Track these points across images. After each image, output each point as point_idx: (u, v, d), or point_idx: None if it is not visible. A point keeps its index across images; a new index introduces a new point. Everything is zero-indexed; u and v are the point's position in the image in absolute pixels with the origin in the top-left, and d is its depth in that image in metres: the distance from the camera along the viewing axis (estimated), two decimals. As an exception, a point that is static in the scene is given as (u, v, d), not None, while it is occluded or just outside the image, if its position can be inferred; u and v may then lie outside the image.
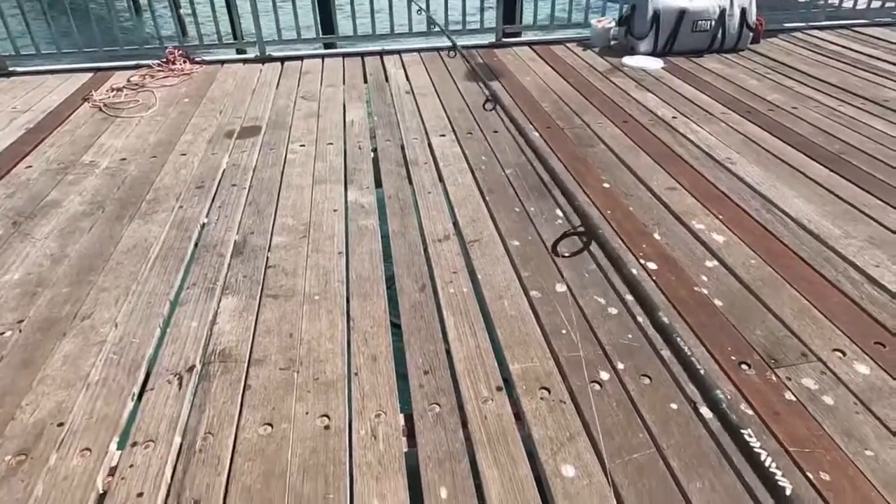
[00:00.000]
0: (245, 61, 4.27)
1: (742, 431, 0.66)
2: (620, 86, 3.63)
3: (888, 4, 4.94)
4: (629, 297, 1.80)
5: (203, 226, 2.27)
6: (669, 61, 4.04)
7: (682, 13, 4.07)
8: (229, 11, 4.58)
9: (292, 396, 1.51)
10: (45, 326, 1.76)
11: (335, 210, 2.34)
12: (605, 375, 1.54)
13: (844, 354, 1.59)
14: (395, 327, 1.75)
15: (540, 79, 3.79)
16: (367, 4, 4.26)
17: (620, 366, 1.56)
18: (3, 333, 1.73)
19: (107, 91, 3.67)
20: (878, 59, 3.99)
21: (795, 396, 1.46)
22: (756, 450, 0.64)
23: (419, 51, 4.38)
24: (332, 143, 2.94)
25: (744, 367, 1.55)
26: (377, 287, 1.90)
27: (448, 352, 1.64)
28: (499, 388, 1.52)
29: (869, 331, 1.67)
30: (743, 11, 4.15)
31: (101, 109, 3.43)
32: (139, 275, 1.98)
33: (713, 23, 4.12)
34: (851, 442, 1.35)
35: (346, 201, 2.42)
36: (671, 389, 1.49)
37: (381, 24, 4.42)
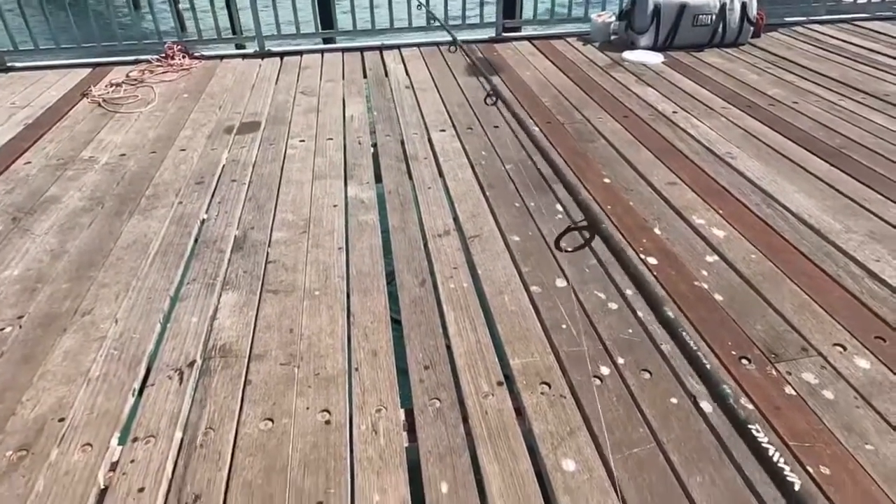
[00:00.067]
0: (244, 56, 4.26)
1: (750, 426, 0.65)
2: (621, 80, 3.62)
3: (889, -2, 4.93)
4: (629, 292, 1.80)
5: (203, 221, 2.27)
6: (670, 56, 4.03)
7: (683, 8, 4.06)
8: (228, 6, 4.57)
9: (293, 391, 1.51)
10: (45, 322, 1.76)
11: (335, 205, 2.34)
12: (605, 370, 1.54)
13: (845, 349, 1.59)
14: (396, 322, 1.75)
15: (540, 74, 3.78)
16: (366, -1, 4.25)
17: (621, 360, 1.56)
18: (3, 329, 1.73)
19: (105, 86, 3.66)
20: (879, 53, 3.98)
21: (796, 391, 1.46)
22: (764, 444, 0.63)
23: (419, 45, 4.36)
24: (331, 139, 2.93)
25: (744, 361, 1.55)
26: (377, 282, 1.90)
27: (448, 347, 1.64)
28: (499, 383, 1.52)
29: (869, 325, 1.67)
30: (743, 6, 4.13)
31: (99, 105, 3.42)
32: (139, 270, 1.97)
33: (714, 17, 4.10)
34: (852, 436, 1.35)
35: (346, 196, 2.41)
36: (671, 384, 1.49)
37: (381, 18, 4.40)
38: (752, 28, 4.21)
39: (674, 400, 1.45)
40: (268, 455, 1.35)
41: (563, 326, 1.68)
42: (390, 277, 1.94)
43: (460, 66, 3.94)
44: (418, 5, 4.10)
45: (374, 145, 2.88)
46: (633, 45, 4.18)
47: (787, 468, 0.60)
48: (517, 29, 4.73)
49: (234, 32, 4.68)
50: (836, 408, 1.42)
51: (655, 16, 4.07)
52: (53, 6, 4.09)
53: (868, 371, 1.52)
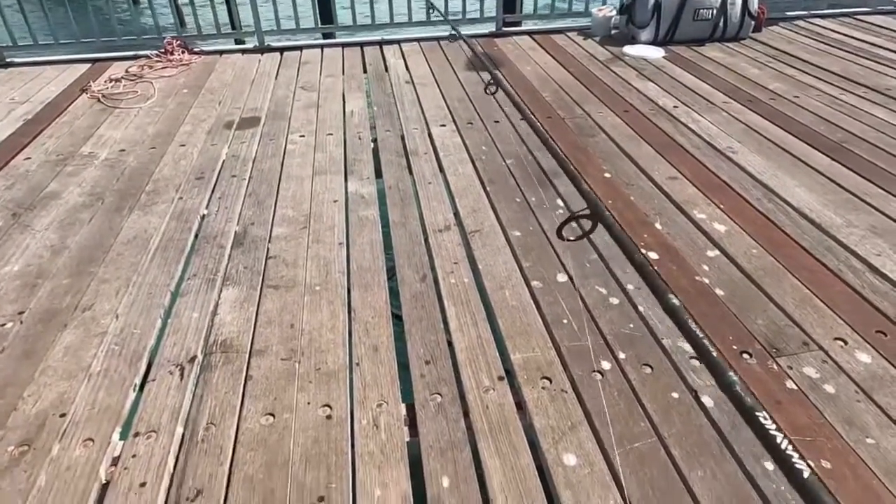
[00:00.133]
0: (244, 51, 4.25)
1: (757, 414, 0.65)
2: (621, 75, 3.61)
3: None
4: (630, 287, 1.80)
5: (203, 217, 2.26)
6: (671, 50, 4.01)
7: (684, 2, 4.04)
8: (227, 1, 4.54)
9: (294, 387, 1.51)
10: (45, 318, 1.76)
11: (335, 201, 2.34)
12: (606, 365, 1.54)
13: (846, 343, 1.59)
14: (397, 318, 1.75)
15: (540, 68, 3.77)
16: (366, -7, 4.24)
17: (622, 355, 1.56)
18: (3, 325, 1.73)
19: (105, 82, 3.65)
20: (881, 47, 3.96)
21: (797, 385, 1.46)
22: (771, 432, 0.63)
23: (419, 40, 4.35)
24: (331, 134, 2.92)
25: (745, 356, 1.55)
26: (378, 277, 1.90)
27: (449, 342, 1.64)
28: (500, 378, 1.52)
29: (870, 319, 1.67)
30: (744, 0, 4.12)
31: (99, 100, 3.41)
32: (140, 266, 1.97)
33: (715, 11, 4.09)
34: (853, 430, 1.35)
35: (346, 192, 2.41)
36: (672, 379, 1.49)
37: (381, 13, 4.39)
38: (753, 22, 4.20)
39: (675, 395, 1.45)
40: (269, 450, 1.35)
41: (564, 321, 1.68)
42: (391, 273, 1.94)
43: (460, 61, 3.93)
44: None
45: (375, 140, 2.87)
46: (633, 40, 4.17)
47: (794, 455, 0.59)
48: (517, 23, 4.72)
49: (233, 27, 4.67)
50: (837, 402, 1.42)
51: (656, 10, 4.06)
52: (52, 2, 4.08)
53: (869, 365, 1.52)
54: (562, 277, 1.86)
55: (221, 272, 1.94)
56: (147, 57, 4.06)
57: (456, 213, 2.24)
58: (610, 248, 1.96)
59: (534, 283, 1.84)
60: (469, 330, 1.67)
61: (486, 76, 3.44)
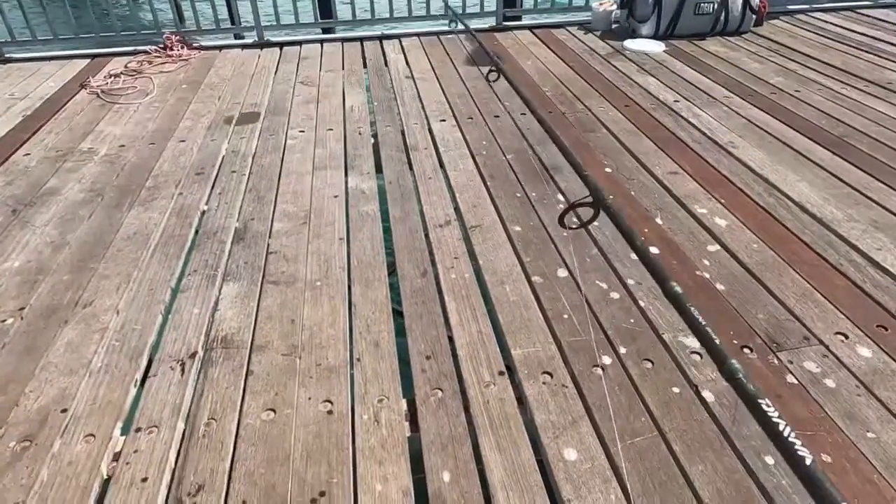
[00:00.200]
0: (243, 47, 4.23)
1: (760, 401, 0.65)
2: (622, 70, 3.60)
3: (893, -14, 4.89)
4: (631, 282, 1.80)
5: (203, 213, 2.26)
6: (671, 45, 4.00)
7: (685, -4, 4.02)
8: (226, -4, 4.53)
9: (295, 382, 1.51)
10: (46, 314, 1.76)
11: (336, 196, 2.33)
12: (607, 360, 1.54)
13: (847, 338, 1.59)
14: (397, 313, 1.75)
15: (541, 63, 3.76)
16: (365, -12, 4.22)
17: (622, 350, 1.56)
18: (4, 321, 1.73)
19: (104, 77, 3.64)
20: (882, 41, 3.95)
21: (797, 380, 1.46)
22: (775, 419, 0.63)
23: (419, 35, 4.34)
24: (331, 129, 2.92)
25: (746, 350, 1.55)
26: (378, 273, 1.90)
27: (450, 337, 1.64)
28: (501, 373, 1.52)
29: (871, 314, 1.67)
30: (746, -7, 4.10)
31: (98, 96, 3.40)
32: (140, 262, 1.97)
33: (716, 5, 4.07)
34: (853, 424, 1.35)
35: (346, 187, 2.40)
36: (673, 373, 1.49)
37: (381, 8, 4.37)
38: (754, 16, 4.18)
39: (675, 389, 1.45)
40: (270, 445, 1.35)
41: (565, 316, 1.68)
42: (391, 268, 1.93)
43: (461, 56, 3.92)
44: None
45: (375, 136, 2.86)
46: (634, 34, 4.15)
47: (798, 443, 0.59)
48: (518, 18, 4.70)
49: (232, 23, 4.65)
50: (837, 396, 1.42)
51: (657, 4, 4.04)
52: (51, -3, 4.07)
53: (870, 360, 1.52)
54: (562, 272, 1.86)
55: (222, 268, 1.94)
56: (146, 52, 4.05)
57: (456, 209, 2.24)
58: (611, 243, 1.96)
59: (534, 278, 1.84)
60: (470, 325, 1.67)
61: (487, 71, 3.43)
